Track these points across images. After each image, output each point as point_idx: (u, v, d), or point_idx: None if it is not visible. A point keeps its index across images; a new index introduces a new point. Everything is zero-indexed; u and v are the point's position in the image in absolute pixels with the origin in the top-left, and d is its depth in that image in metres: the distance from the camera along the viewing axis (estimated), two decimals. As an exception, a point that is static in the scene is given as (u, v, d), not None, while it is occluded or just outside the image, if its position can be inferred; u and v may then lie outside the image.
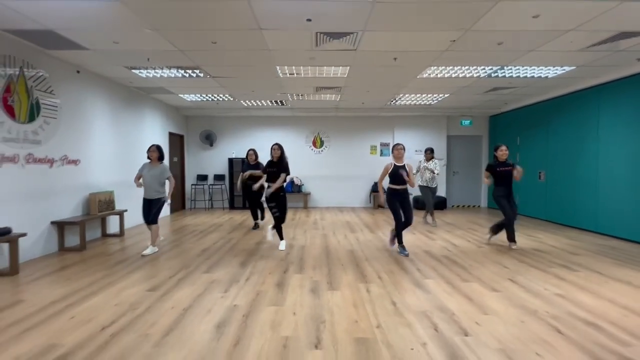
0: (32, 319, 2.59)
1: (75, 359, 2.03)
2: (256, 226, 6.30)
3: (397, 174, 4.33)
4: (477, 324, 2.50)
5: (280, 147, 4.71)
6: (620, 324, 2.51)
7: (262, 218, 6.48)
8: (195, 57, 4.77)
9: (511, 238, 4.81)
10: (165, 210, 8.18)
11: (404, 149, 4.44)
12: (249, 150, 6.17)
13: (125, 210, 5.81)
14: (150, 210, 4.48)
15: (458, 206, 9.76)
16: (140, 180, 4.50)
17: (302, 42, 4.18)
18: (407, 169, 4.34)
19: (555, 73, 5.55)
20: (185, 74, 5.64)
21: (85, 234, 4.85)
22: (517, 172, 4.68)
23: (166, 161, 7.63)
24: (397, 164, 4.37)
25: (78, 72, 5.14)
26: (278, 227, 4.76)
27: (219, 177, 9.44)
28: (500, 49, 4.45)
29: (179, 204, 9.14)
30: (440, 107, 8.81)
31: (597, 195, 5.88)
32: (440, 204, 8.99)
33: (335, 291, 3.18)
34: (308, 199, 9.47)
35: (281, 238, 4.80)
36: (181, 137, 9.18)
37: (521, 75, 5.72)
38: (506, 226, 4.81)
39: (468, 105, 8.66)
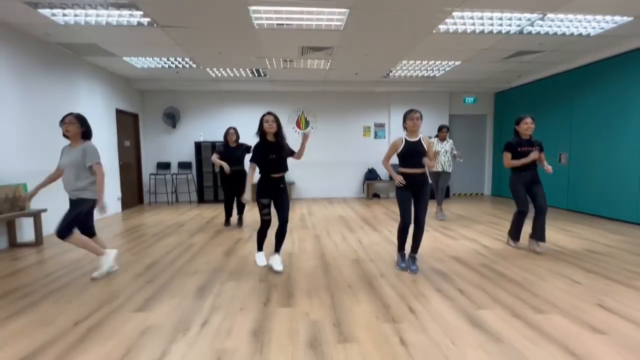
0: None
1: None
2: (228, 223, 5.17)
3: (411, 154, 3.05)
4: None
5: (276, 117, 3.11)
6: None
7: (240, 212, 5.17)
8: (126, -14, 3.25)
9: (539, 236, 3.67)
10: (116, 206, 6.59)
11: (421, 118, 3.10)
12: (230, 129, 4.97)
13: (44, 211, 4.22)
14: (70, 216, 2.84)
15: (460, 194, 8.76)
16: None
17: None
18: (425, 145, 3.08)
19: (602, 29, 4.45)
20: (121, 19, 4.07)
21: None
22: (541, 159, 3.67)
23: (99, 140, 6.01)
24: (409, 140, 3.09)
25: (-49, 8, 3.48)
26: (262, 236, 3.26)
27: (184, 165, 7.89)
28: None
29: (135, 198, 7.53)
30: (444, 81, 7.62)
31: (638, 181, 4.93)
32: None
33: (350, 343, 1.93)
34: (292, 190, 8.13)
35: (277, 250, 3.23)
36: (135, 116, 7.50)
37: (559, 32, 4.57)
38: (520, 221, 3.79)
39: (474, 79, 7.52)
